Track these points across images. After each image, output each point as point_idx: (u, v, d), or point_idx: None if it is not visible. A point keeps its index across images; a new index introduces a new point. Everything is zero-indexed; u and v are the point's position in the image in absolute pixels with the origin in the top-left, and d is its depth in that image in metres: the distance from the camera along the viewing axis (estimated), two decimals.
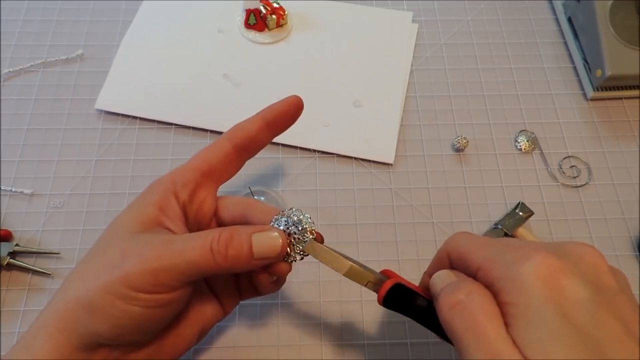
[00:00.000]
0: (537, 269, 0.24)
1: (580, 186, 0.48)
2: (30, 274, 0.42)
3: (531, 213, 0.44)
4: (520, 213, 0.44)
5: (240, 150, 0.35)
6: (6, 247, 0.42)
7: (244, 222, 0.34)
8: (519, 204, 0.45)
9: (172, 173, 0.34)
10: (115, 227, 0.32)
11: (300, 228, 0.32)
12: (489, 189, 0.47)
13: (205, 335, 0.35)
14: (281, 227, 0.31)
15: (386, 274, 0.32)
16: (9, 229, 0.43)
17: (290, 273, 0.33)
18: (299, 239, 0.32)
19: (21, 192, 0.46)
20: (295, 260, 0.32)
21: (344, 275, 0.32)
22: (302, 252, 0.32)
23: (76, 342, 0.28)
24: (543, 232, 0.45)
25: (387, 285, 0.30)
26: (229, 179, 0.36)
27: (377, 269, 0.43)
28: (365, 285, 0.31)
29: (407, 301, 0.30)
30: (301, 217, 0.32)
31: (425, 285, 0.32)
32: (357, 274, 0.31)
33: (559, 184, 0.48)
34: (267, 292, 0.35)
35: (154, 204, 0.32)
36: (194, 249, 0.29)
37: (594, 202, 0.47)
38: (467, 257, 0.28)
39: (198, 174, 0.34)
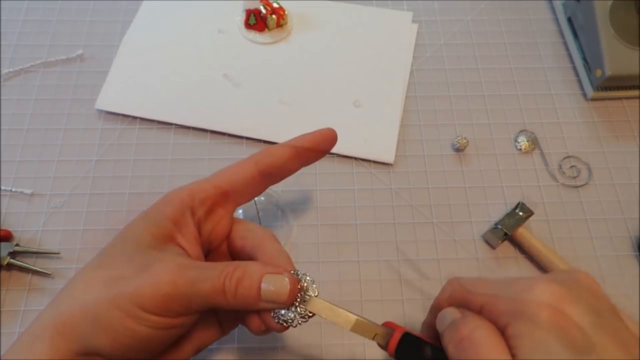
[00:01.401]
0: (542, 297, 0.24)
1: (580, 186, 0.48)
2: (31, 274, 0.42)
3: (531, 213, 0.44)
4: (520, 213, 0.44)
5: (265, 175, 0.34)
6: (6, 247, 0.42)
7: (252, 257, 0.33)
8: (519, 203, 0.45)
9: (191, 186, 0.33)
10: (128, 235, 0.31)
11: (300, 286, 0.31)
12: (489, 189, 0.47)
13: (201, 351, 0.34)
14: None
15: (389, 327, 0.31)
16: (9, 229, 0.43)
17: None
18: (300, 298, 0.31)
19: (21, 192, 0.46)
20: (297, 325, 0.31)
21: (350, 330, 0.31)
22: (304, 313, 0.31)
23: (77, 349, 0.28)
24: (543, 232, 0.45)
25: (397, 336, 0.30)
26: (248, 201, 0.35)
27: (377, 268, 0.44)
28: (373, 339, 0.31)
29: (418, 349, 0.30)
30: (302, 277, 0.31)
31: (428, 333, 0.32)
32: (364, 327, 0.31)
33: (559, 184, 0.48)
34: (255, 334, 0.33)
35: (169, 218, 0.31)
36: (207, 282, 0.29)
37: (594, 202, 0.47)
38: (470, 297, 0.28)
39: (218, 193, 0.33)
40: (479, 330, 0.25)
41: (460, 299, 0.29)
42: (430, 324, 0.31)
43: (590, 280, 0.27)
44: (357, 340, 0.41)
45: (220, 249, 0.34)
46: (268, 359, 0.40)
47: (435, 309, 0.31)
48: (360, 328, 0.31)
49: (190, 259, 0.31)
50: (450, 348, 0.26)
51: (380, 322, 0.31)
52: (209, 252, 0.34)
